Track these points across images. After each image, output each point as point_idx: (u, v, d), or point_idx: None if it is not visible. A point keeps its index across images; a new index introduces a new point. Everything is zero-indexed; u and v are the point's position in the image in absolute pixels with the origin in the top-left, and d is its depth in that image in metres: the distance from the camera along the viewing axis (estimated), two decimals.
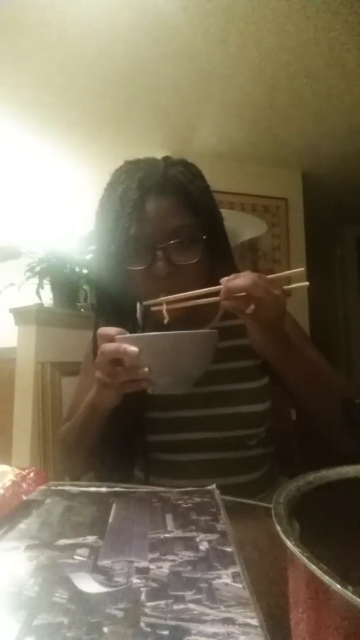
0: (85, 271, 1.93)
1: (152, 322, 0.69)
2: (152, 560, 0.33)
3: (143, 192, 0.64)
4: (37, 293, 1.90)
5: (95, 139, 2.54)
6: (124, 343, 0.53)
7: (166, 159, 0.70)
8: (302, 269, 0.62)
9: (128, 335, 0.56)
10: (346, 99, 2.19)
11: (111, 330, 0.57)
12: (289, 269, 2.72)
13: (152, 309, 0.62)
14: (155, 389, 0.57)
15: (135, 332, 0.72)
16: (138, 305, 0.72)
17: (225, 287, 0.53)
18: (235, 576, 0.31)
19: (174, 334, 0.54)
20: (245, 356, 0.72)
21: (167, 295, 0.60)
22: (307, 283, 0.60)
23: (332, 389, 0.66)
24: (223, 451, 0.70)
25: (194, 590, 0.29)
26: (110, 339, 0.56)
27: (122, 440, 0.71)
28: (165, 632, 0.24)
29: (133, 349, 0.53)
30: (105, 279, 0.69)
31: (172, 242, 0.62)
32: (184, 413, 0.70)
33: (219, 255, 0.70)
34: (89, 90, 2.11)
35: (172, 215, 0.64)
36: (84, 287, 2.00)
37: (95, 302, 0.76)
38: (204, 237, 0.65)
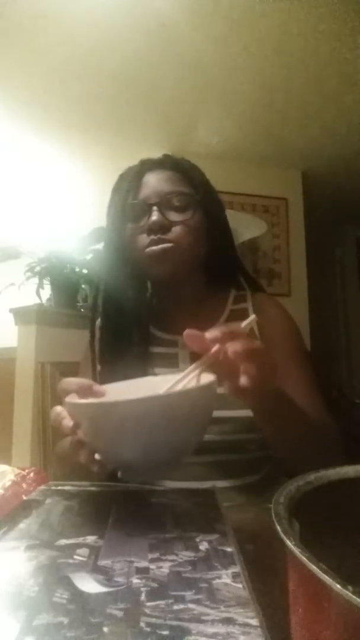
0: (85, 271, 1.93)
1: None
2: (152, 561, 0.33)
3: (143, 168, 0.73)
4: (37, 293, 1.90)
5: (95, 139, 2.54)
6: (69, 410, 0.41)
7: (166, 154, 0.80)
8: (253, 316, 0.50)
9: (74, 401, 0.42)
10: (346, 99, 2.19)
11: (71, 384, 0.46)
12: (289, 269, 2.74)
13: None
14: (126, 475, 0.44)
15: (140, 327, 0.73)
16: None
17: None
18: (235, 576, 0.31)
19: (135, 401, 0.37)
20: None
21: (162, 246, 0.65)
22: (254, 316, 0.50)
23: (314, 446, 0.61)
24: (223, 454, 0.69)
25: (194, 590, 0.29)
26: (66, 395, 0.46)
27: None
28: (165, 632, 0.24)
29: (66, 423, 0.43)
30: (114, 259, 0.73)
31: (166, 200, 0.69)
32: None
33: (217, 239, 0.75)
34: (88, 90, 2.11)
35: (168, 181, 0.72)
36: (84, 287, 2.00)
37: (100, 295, 0.77)
38: (197, 203, 0.71)
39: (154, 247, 0.67)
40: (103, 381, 0.68)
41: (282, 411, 0.56)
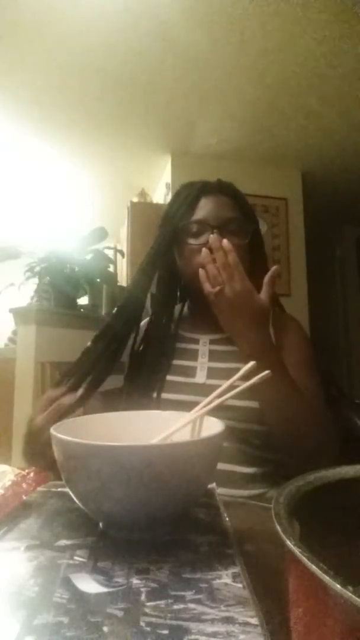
0: (85, 271, 1.93)
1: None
2: (151, 561, 0.33)
3: (205, 191, 0.80)
4: (37, 293, 1.90)
5: (95, 139, 2.54)
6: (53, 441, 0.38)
7: (218, 179, 0.86)
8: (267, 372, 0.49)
9: (53, 433, 0.37)
10: (346, 99, 2.19)
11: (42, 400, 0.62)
12: (289, 269, 2.74)
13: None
14: (108, 528, 0.38)
15: (170, 329, 0.81)
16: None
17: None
18: (235, 576, 0.31)
19: (116, 448, 0.33)
20: None
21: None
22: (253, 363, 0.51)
23: (304, 426, 0.66)
24: (227, 441, 0.71)
25: (194, 590, 0.29)
26: (45, 406, 0.60)
27: None
28: (165, 632, 0.24)
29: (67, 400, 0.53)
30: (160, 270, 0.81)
31: (225, 225, 0.76)
32: (189, 398, 0.72)
33: (256, 254, 0.83)
34: (88, 90, 2.11)
35: (227, 207, 0.79)
36: (84, 287, 2.00)
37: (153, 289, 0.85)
38: (251, 230, 0.79)
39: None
40: (132, 372, 0.80)
41: (284, 391, 0.64)
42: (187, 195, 0.80)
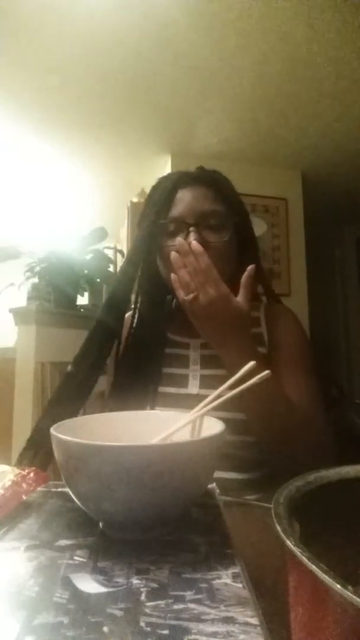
0: (85, 271, 1.93)
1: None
2: (151, 562, 0.33)
3: (179, 184, 0.73)
4: (33, 293, 1.91)
5: (95, 139, 2.54)
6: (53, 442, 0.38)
7: (200, 167, 0.81)
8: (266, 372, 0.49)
9: (53, 433, 0.37)
10: (346, 99, 2.19)
11: None
12: (289, 269, 2.73)
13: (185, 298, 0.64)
14: (108, 529, 0.37)
15: (159, 332, 0.78)
16: None
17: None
18: (235, 576, 0.31)
19: (118, 448, 0.33)
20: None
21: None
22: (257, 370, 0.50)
23: (293, 434, 0.63)
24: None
25: (194, 590, 0.29)
26: None
27: None
28: (165, 632, 0.24)
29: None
30: (142, 269, 0.76)
31: (204, 220, 0.70)
32: (187, 390, 0.71)
33: (245, 248, 0.77)
34: (88, 90, 2.11)
35: (206, 199, 0.71)
36: (84, 287, 2.00)
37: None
38: (232, 223, 0.72)
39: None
40: (120, 381, 0.76)
41: (268, 399, 0.62)
42: (163, 189, 0.74)
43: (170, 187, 0.73)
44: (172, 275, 0.63)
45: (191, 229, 0.68)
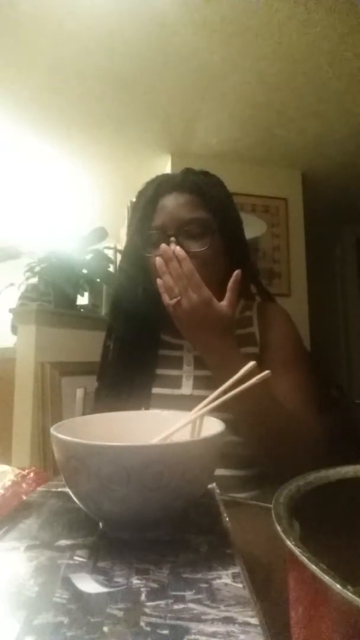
0: (85, 271, 1.93)
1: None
2: (152, 561, 0.33)
3: (162, 191, 0.73)
4: (37, 293, 1.91)
5: (95, 139, 2.54)
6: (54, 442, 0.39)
7: (187, 169, 0.80)
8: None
9: (54, 434, 0.39)
10: (346, 99, 2.19)
11: None
12: (289, 269, 2.73)
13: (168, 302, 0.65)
14: (108, 528, 0.38)
15: (152, 333, 0.78)
16: None
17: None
18: (235, 576, 0.31)
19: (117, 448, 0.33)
20: (247, 343, 0.75)
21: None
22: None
23: (283, 437, 0.63)
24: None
25: (194, 590, 0.29)
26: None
27: None
28: (165, 632, 0.24)
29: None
30: (129, 275, 0.77)
31: (184, 229, 0.70)
32: (180, 391, 0.71)
33: (235, 254, 0.76)
34: (88, 90, 2.11)
35: (187, 207, 0.72)
36: (84, 287, 2.00)
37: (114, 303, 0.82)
38: (214, 229, 0.71)
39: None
40: (112, 383, 0.77)
41: (258, 404, 0.62)
42: (146, 197, 0.74)
43: (152, 194, 0.73)
44: (158, 280, 0.65)
45: (172, 239, 0.69)
